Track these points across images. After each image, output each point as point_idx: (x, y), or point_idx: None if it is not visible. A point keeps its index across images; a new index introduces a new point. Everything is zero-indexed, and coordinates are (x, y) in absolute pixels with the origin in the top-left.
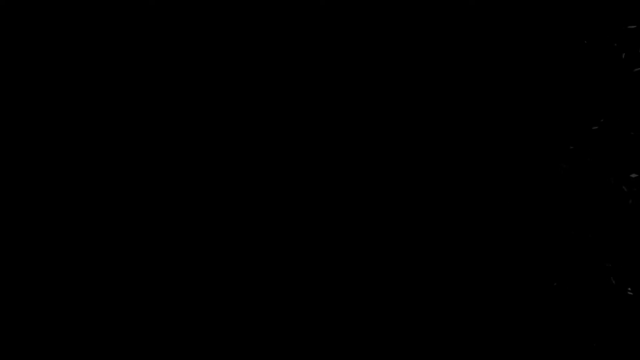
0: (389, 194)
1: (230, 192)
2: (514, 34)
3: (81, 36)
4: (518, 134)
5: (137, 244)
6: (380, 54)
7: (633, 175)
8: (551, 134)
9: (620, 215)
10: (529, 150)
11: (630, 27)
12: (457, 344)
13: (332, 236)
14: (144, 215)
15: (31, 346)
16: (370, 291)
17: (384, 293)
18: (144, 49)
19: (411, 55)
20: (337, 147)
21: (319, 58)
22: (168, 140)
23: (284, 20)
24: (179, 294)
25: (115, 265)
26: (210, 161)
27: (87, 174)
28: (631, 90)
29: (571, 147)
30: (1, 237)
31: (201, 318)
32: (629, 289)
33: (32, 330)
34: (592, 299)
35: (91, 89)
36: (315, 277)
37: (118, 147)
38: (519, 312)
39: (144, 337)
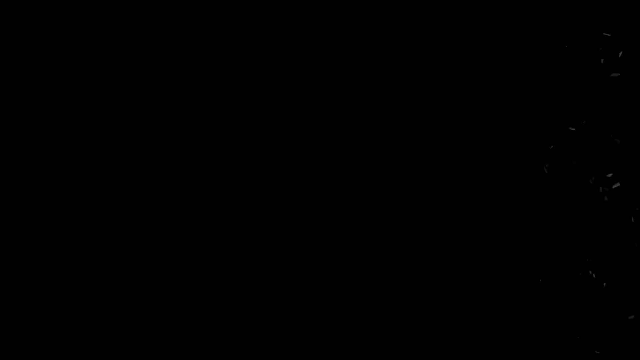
0: (372, 191)
1: (230, 192)
2: (505, 38)
3: (81, 36)
4: (502, 134)
5: (137, 243)
6: (380, 53)
7: (609, 175)
8: (534, 135)
9: (598, 212)
10: (513, 150)
11: (605, 34)
12: (446, 334)
13: (331, 235)
14: (144, 214)
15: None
16: (361, 289)
17: (374, 289)
18: (144, 48)
19: (411, 54)
20: (336, 146)
21: (319, 58)
22: (168, 140)
23: (284, 20)
24: (179, 293)
25: (115, 264)
26: (209, 160)
27: (87, 173)
28: (609, 94)
29: (551, 147)
30: (1, 237)
31: (201, 318)
32: (604, 283)
33: (32, 330)
34: (574, 293)
35: (91, 88)
36: (315, 277)
37: (118, 147)
38: (508, 308)
39: (144, 337)
